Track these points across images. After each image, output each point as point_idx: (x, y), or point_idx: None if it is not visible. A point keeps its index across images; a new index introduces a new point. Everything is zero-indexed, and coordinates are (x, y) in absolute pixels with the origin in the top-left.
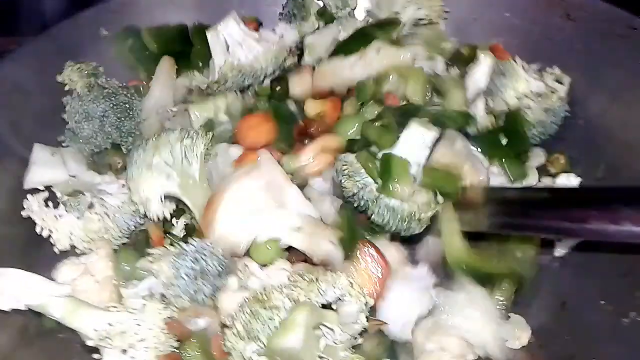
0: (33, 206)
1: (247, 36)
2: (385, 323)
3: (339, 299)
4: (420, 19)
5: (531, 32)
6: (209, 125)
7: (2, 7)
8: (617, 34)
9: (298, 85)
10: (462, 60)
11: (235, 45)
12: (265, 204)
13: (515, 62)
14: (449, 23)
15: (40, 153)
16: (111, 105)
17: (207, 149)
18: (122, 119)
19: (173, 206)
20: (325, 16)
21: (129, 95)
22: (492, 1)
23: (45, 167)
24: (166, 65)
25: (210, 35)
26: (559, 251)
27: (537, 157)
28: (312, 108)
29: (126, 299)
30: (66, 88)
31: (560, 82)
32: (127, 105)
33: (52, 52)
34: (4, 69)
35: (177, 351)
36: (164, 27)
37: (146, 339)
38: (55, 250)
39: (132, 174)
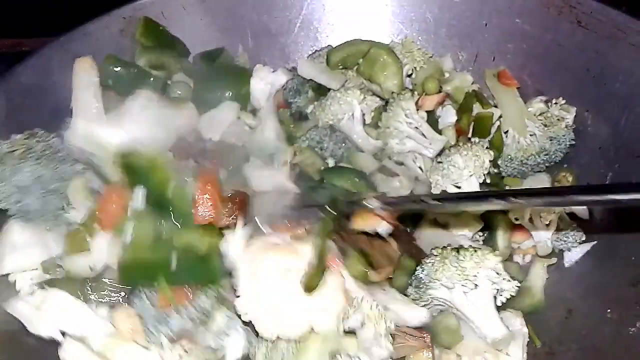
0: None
1: None
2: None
3: (361, 323)
4: (409, 74)
5: (541, 38)
6: None
7: (13, 8)
8: (628, 41)
9: None
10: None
11: None
12: None
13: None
14: (459, 28)
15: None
16: (35, 161)
17: None
18: (57, 167)
19: None
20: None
21: (40, 138)
22: (503, 7)
23: (28, 249)
24: (85, 68)
25: None
26: (568, 261)
27: (542, 182)
28: None
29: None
30: None
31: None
32: (49, 150)
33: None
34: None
35: None
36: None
37: None
38: None
39: None
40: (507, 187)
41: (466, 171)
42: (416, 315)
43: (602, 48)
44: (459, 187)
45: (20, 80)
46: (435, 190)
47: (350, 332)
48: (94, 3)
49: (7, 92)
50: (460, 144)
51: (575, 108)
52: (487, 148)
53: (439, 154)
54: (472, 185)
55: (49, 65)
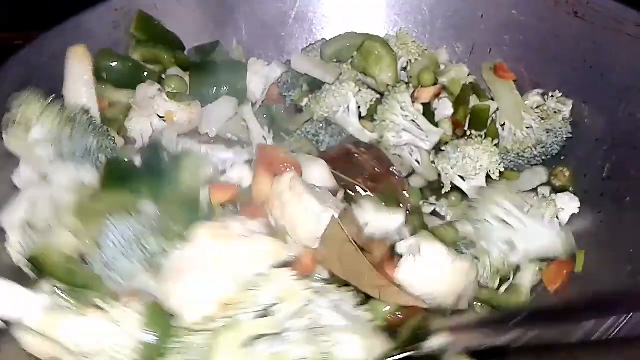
0: None
1: None
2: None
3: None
4: (404, 67)
5: (538, 29)
6: None
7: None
8: (625, 32)
9: None
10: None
11: None
12: None
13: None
14: (455, 20)
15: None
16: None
17: None
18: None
19: None
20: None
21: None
22: None
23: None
24: (78, 56)
25: None
26: None
27: (539, 175)
28: None
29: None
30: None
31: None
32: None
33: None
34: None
35: None
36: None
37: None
38: None
39: None
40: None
41: (479, 164)
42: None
43: (599, 39)
44: (464, 179)
45: (13, 73)
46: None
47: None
48: None
49: None
50: (473, 137)
51: (572, 101)
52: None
53: (445, 144)
54: (480, 179)
55: (42, 57)
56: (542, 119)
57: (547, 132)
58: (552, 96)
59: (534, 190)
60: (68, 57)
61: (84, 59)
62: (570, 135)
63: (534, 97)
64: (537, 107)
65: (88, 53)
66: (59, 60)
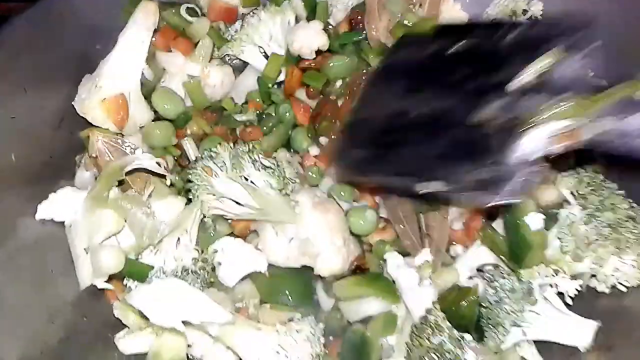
0: None
1: None
2: None
3: None
4: None
5: None
6: None
7: None
8: None
9: None
10: None
11: None
12: None
13: None
14: None
15: None
16: None
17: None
18: None
19: None
20: None
21: None
22: None
23: None
24: (146, 10)
25: None
26: None
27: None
28: None
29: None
30: None
31: None
32: None
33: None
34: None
35: None
36: None
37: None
38: None
39: None
40: None
41: None
42: None
43: None
44: None
45: (18, 33)
46: None
47: None
48: None
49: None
50: None
51: None
52: None
53: None
54: None
55: (47, 18)
56: None
57: None
58: None
59: None
60: (138, 8)
61: (151, 16)
62: None
63: None
64: None
65: (158, 11)
66: (65, 21)
